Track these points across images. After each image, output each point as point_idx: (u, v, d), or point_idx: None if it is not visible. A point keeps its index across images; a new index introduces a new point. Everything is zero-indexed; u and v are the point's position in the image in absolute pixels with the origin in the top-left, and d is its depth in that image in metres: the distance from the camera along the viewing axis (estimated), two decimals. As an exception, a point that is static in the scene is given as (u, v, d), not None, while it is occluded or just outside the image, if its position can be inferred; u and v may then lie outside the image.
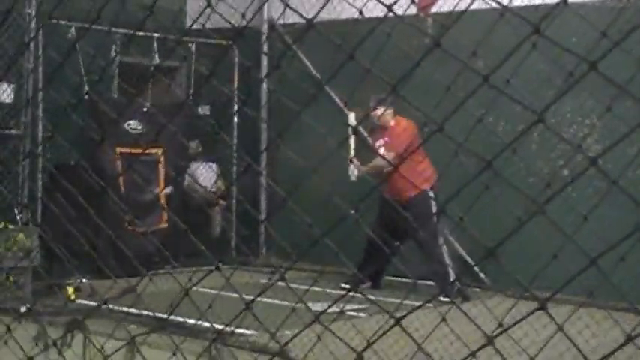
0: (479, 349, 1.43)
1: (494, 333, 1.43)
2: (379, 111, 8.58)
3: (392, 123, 8.68)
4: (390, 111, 8.70)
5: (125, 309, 6.48)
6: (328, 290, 7.98)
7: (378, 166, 8.43)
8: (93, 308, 6.56)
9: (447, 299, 7.94)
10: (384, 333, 1.59)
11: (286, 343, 1.82)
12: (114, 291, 7.52)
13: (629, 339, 1.19)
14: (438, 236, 8.42)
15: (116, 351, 2.29)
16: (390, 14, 1.49)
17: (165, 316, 4.88)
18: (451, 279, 8.24)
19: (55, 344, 2.55)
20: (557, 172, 7.87)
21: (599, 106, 7.94)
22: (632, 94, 1.27)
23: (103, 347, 2.15)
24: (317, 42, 1.80)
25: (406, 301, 2.18)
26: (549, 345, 1.89)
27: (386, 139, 8.67)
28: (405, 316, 1.57)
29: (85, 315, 2.48)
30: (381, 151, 8.59)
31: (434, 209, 8.42)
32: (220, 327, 2.17)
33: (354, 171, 8.55)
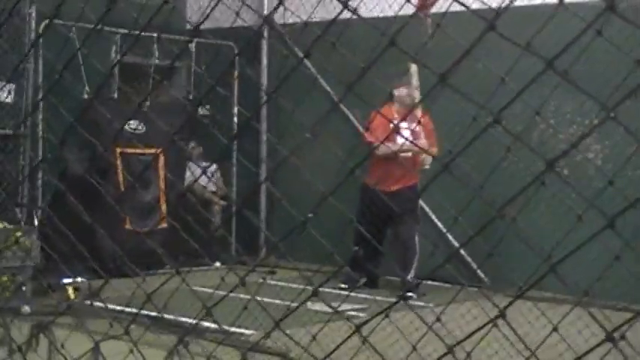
0: (442, 357, 1.42)
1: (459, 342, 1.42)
2: (415, 92, 8.38)
3: (418, 111, 8.36)
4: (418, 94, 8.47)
5: (120, 308, 6.47)
6: (328, 290, 7.99)
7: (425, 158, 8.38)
8: (56, 312, 6.52)
9: (410, 294, 8.13)
10: (345, 339, 1.59)
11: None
12: (81, 295, 7.54)
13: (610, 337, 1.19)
14: (415, 230, 8.53)
15: (82, 356, 2.27)
16: (390, 13, 1.48)
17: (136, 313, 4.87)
18: (413, 275, 8.39)
19: (19, 349, 2.52)
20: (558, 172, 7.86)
21: (598, 106, 7.94)
22: (587, 92, 1.26)
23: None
24: (317, 42, 1.80)
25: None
26: (550, 345, 1.89)
27: (415, 127, 8.47)
28: (364, 323, 1.57)
29: (50, 320, 2.47)
30: (407, 134, 8.33)
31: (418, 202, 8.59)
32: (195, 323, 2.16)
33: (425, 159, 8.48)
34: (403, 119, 8.48)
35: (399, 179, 8.31)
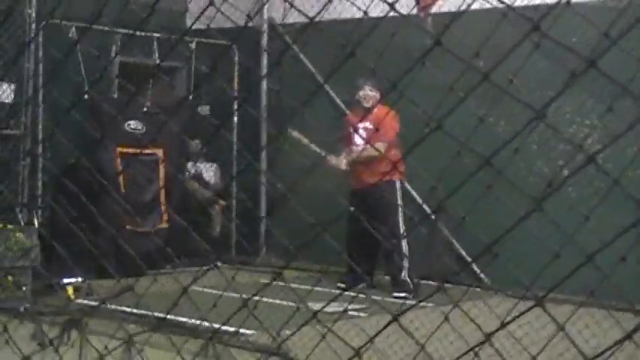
0: (478, 345, 1.43)
1: (493, 332, 1.43)
2: (368, 92, 8.53)
3: (376, 108, 8.52)
4: (376, 94, 8.58)
5: (125, 309, 6.50)
6: (329, 290, 7.99)
7: (371, 156, 8.39)
8: (92, 308, 6.56)
9: (401, 294, 8.13)
10: (380, 331, 1.60)
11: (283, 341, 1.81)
12: (112, 291, 7.56)
13: (628, 337, 1.19)
14: (400, 228, 8.49)
15: (113, 350, 2.28)
16: (391, 14, 1.49)
17: (163, 315, 4.89)
18: (406, 274, 8.38)
19: (51, 343, 2.54)
20: (558, 173, 7.87)
21: (599, 106, 7.94)
22: (633, 94, 1.27)
23: (106, 347, 2.15)
24: (317, 42, 1.80)
25: (402, 300, 2.19)
26: (550, 345, 1.89)
27: (369, 124, 8.63)
28: (402, 313, 1.57)
29: (83, 314, 2.49)
30: (362, 133, 8.65)
31: (399, 201, 8.51)
32: (218, 327, 2.16)
33: (340, 160, 8.54)
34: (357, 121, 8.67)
35: (368, 176, 8.32)
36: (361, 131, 8.68)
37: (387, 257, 8.61)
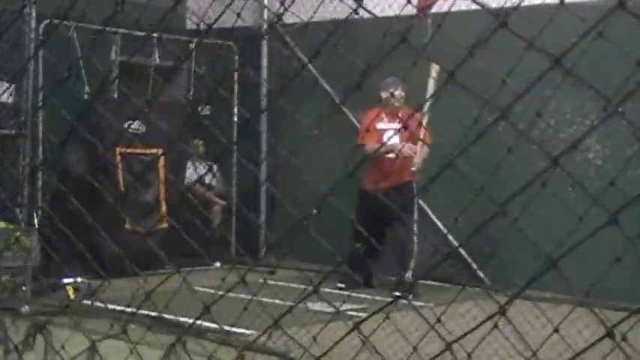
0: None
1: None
2: (400, 92, 8.50)
3: (405, 110, 8.44)
4: (402, 94, 8.58)
5: (120, 308, 6.47)
6: (327, 290, 7.99)
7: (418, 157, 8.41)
8: (55, 312, 6.53)
9: (399, 294, 8.16)
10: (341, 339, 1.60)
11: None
12: (81, 295, 7.55)
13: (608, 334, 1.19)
14: (415, 229, 8.51)
15: (77, 356, 2.28)
16: (390, 13, 1.49)
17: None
18: (410, 275, 8.44)
19: (16, 349, 2.52)
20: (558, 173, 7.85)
21: (599, 106, 7.94)
22: (598, 91, 1.27)
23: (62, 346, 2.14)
24: (317, 42, 1.80)
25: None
26: (549, 345, 1.89)
27: (400, 126, 8.49)
28: (363, 321, 1.58)
29: (47, 319, 2.47)
30: (395, 136, 8.56)
31: (415, 201, 8.57)
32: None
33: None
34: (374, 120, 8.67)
35: (391, 177, 8.33)
36: (392, 132, 8.59)
37: (397, 258, 8.59)
